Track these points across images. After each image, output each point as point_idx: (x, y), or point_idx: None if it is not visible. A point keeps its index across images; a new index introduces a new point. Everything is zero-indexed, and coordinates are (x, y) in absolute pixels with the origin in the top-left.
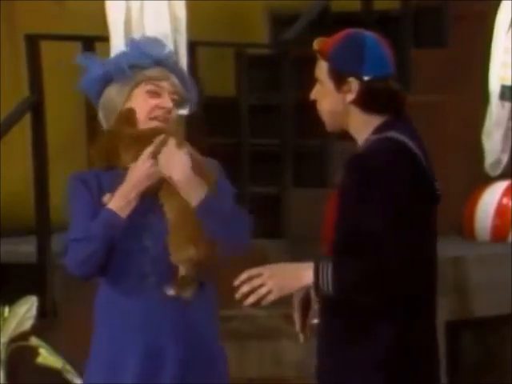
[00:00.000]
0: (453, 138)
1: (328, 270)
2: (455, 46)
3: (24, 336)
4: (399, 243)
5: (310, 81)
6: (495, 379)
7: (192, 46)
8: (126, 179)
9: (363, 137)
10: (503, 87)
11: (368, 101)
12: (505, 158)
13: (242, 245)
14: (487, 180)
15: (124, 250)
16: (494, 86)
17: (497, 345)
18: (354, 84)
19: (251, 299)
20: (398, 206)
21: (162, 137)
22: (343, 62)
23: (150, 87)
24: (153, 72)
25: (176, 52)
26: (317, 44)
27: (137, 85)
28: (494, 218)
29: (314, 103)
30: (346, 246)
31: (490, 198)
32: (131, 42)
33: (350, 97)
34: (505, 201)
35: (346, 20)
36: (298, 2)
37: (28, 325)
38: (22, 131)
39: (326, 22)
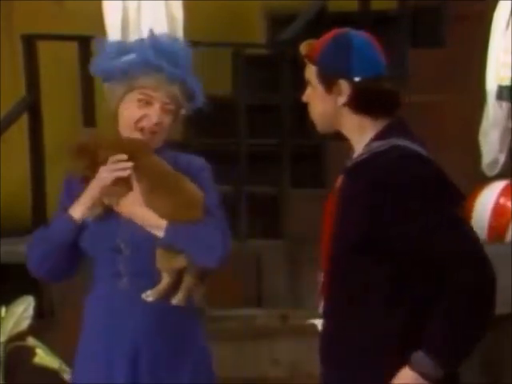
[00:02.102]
0: (451, 137)
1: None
2: (453, 45)
3: (21, 336)
4: (475, 249)
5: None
6: (494, 379)
7: (189, 46)
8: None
9: (361, 140)
10: (500, 87)
11: (360, 102)
12: (502, 158)
13: (214, 262)
14: (484, 180)
15: (99, 249)
16: (491, 85)
17: (496, 344)
18: (344, 86)
19: None
20: (450, 214)
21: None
22: (331, 64)
23: (141, 96)
24: (146, 81)
25: None
26: (304, 48)
27: (131, 90)
28: (492, 217)
29: (307, 105)
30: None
31: (488, 198)
32: (149, 39)
33: (342, 99)
34: (502, 201)
35: (344, 20)
36: (296, 1)
37: (25, 325)
38: (21, 131)
39: (324, 22)
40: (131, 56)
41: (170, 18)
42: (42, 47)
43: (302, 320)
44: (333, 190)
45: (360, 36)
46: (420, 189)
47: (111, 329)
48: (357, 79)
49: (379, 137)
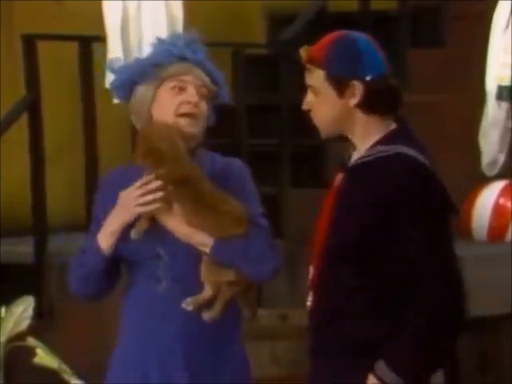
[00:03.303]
0: (450, 137)
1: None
2: (453, 45)
3: (21, 336)
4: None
5: None
6: (494, 379)
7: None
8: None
9: (365, 142)
10: (500, 87)
11: (373, 101)
12: (501, 158)
13: (267, 275)
14: (484, 180)
15: (139, 256)
16: (491, 86)
17: (496, 344)
18: (357, 86)
19: None
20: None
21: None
22: (343, 66)
23: (173, 83)
24: (175, 67)
25: None
26: (305, 53)
27: (161, 83)
28: (491, 218)
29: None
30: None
31: (487, 198)
32: (157, 41)
33: (354, 100)
34: (502, 201)
35: (344, 20)
36: (296, 1)
37: (25, 325)
38: (21, 131)
39: (324, 22)
40: (156, 51)
41: (170, 18)
42: (42, 47)
43: (302, 320)
44: (331, 187)
45: (362, 37)
46: (421, 202)
47: (148, 331)
48: (368, 78)
49: (384, 141)
